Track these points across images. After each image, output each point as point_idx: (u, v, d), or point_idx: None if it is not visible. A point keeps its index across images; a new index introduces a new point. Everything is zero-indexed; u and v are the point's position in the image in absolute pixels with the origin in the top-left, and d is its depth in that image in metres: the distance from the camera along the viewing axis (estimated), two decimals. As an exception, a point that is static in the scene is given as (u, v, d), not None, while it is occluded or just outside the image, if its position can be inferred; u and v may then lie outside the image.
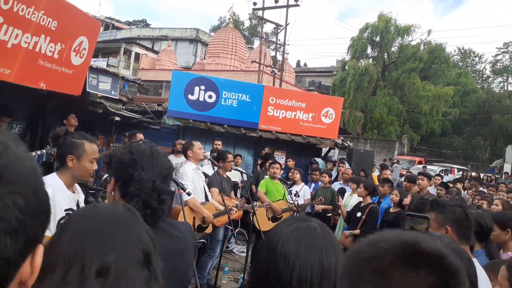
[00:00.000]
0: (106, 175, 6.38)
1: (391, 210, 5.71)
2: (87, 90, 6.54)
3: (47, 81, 5.21)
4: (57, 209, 2.16)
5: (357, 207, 5.87)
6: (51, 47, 5.08)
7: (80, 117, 6.36)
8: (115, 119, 7.74)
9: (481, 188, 9.74)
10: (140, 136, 6.33)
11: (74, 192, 2.36)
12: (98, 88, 7.00)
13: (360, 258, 0.70)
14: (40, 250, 0.55)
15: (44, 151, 5.41)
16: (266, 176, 7.51)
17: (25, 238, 0.50)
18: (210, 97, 8.92)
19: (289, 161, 8.29)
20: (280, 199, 6.32)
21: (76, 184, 2.42)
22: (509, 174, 18.47)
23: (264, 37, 22.29)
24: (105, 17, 36.80)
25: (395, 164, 17.08)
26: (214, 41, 24.63)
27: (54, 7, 4.92)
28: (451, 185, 7.87)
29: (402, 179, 10.19)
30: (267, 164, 7.76)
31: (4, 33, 4.36)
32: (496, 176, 19.07)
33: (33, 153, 5.49)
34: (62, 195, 2.24)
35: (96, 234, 0.86)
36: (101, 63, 17.42)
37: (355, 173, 7.98)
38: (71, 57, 5.47)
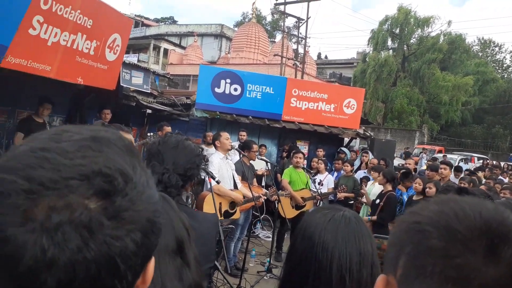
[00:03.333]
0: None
1: (414, 198, 5.85)
2: (121, 84, 6.90)
3: (84, 76, 5.54)
4: None
5: (379, 195, 6.05)
6: (87, 44, 5.40)
7: (114, 110, 6.74)
8: (147, 111, 8.12)
9: (500, 177, 9.63)
10: (168, 129, 6.68)
11: None
12: (131, 83, 7.36)
13: (428, 247, 0.55)
14: (152, 263, 0.54)
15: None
16: (291, 165, 7.74)
17: (142, 264, 0.51)
18: (235, 89, 9.19)
19: (320, 151, 8.45)
20: (304, 188, 6.50)
21: None
22: (529, 162, 18.09)
23: (286, 31, 22.35)
24: (135, 15, 37.66)
25: (421, 154, 17.08)
26: (238, 35, 24.91)
27: (90, 6, 5.22)
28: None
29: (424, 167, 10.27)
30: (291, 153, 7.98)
31: (44, 32, 4.65)
32: (517, 164, 18.73)
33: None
34: None
35: None
36: (132, 58, 17.92)
37: (378, 162, 8.12)
38: (105, 54, 5.79)
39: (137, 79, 7.51)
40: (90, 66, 5.56)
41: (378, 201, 5.84)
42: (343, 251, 1.04)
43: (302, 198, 6.37)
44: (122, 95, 7.16)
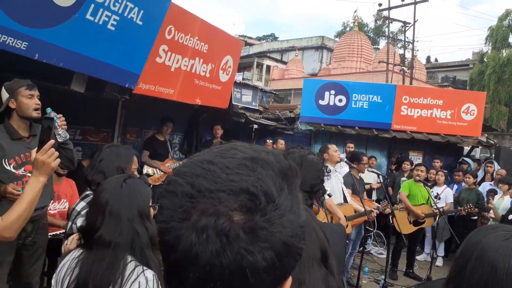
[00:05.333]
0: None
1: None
2: (233, 102, 7.34)
3: (202, 97, 6.00)
4: None
5: (511, 209, 5.41)
6: (204, 67, 5.86)
7: (225, 126, 7.17)
8: (254, 127, 8.49)
9: None
10: (281, 141, 6.96)
11: None
12: (242, 100, 7.78)
13: None
14: (288, 283, 0.56)
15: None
16: (403, 178, 7.35)
17: (275, 282, 0.53)
18: (340, 100, 9.08)
19: (437, 162, 7.91)
20: (424, 203, 6.11)
21: None
22: None
23: (391, 36, 21.37)
24: (239, 35, 39.51)
25: None
26: (339, 45, 24.62)
27: (205, 32, 5.66)
28: None
29: None
30: (404, 165, 7.57)
31: (168, 59, 5.19)
32: None
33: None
34: None
35: None
36: (237, 77, 18.82)
37: (507, 173, 7.27)
38: (219, 75, 6.21)
39: (246, 97, 7.91)
40: (206, 87, 6.00)
41: (511, 216, 5.22)
42: None
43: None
44: (233, 113, 7.59)
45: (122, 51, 4.35)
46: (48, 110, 2.79)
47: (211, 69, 5.94)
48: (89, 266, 1.42)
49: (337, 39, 32.67)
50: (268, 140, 7.90)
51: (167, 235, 0.51)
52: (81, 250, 1.53)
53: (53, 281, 1.57)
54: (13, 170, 2.83)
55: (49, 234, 3.32)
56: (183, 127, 7.58)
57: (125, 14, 4.17)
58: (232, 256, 0.48)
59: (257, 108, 8.51)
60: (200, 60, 5.67)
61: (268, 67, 27.83)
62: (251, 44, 36.54)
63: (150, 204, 1.66)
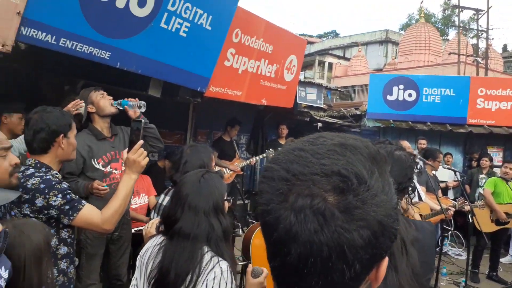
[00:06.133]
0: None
1: None
2: (298, 102, 7.35)
3: (267, 97, 6.09)
4: None
5: None
6: (269, 68, 5.94)
7: (289, 126, 7.20)
8: (318, 125, 8.44)
9: None
10: None
11: None
12: (306, 99, 7.77)
13: None
14: (384, 263, 0.59)
15: (264, 155, 6.40)
16: (482, 175, 6.95)
17: (371, 260, 0.55)
18: (410, 95, 8.73)
19: None
20: (510, 203, 5.70)
21: None
22: None
23: (462, 25, 19.99)
24: (299, 34, 39.01)
25: None
26: (405, 38, 23.54)
27: (270, 33, 5.73)
28: None
29: None
30: (482, 161, 7.10)
31: (236, 62, 5.34)
32: None
33: (258, 157, 6.55)
34: None
35: None
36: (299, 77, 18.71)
37: None
38: (284, 75, 6.25)
39: (311, 95, 7.88)
40: (272, 87, 6.08)
41: None
42: None
43: (505, 213, 5.57)
44: (297, 112, 7.60)
45: (193, 56, 4.55)
46: (114, 103, 3.04)
47: (276, 69, 6.00)
48: (171, 256, 1.53)
49: (402, 32, 31.29)
50: None
51: (267, 216, 0.56)
52: (162, 238, 1.65)
53: (137, 262, 1.72)
54: (102, 168, 3.09)
55: (133, 229, 3.57)
56: (249, 127, 7.73)
57: (196, 21, 4.37)
58: (330, 233, 0.51)
59: (321, 106, 8.43)
60: (265, 61, 5.76)
61: (330, 64, 27.30)
62: (312, 42, 36.05)
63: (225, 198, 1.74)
